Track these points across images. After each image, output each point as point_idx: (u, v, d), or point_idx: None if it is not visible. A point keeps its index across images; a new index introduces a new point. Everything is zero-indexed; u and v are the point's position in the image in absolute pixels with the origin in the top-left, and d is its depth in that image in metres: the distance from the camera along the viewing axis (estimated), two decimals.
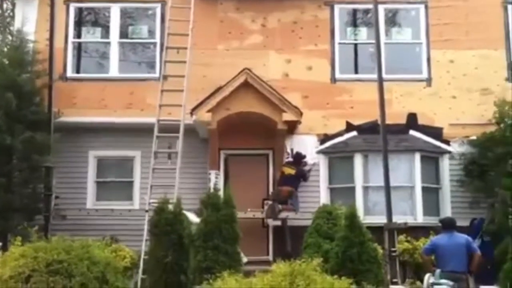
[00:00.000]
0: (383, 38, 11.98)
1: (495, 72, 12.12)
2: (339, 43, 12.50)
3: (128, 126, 12.03)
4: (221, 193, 11.37)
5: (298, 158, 11.66)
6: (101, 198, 12.16)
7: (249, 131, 11.58)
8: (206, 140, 11.86)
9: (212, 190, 8.15)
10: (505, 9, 12.42)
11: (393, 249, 9.65)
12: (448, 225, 8.21)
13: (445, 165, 11.87)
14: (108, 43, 12.56)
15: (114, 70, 12.42)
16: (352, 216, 7.22)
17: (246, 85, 11.15)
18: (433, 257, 8.09)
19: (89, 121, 11.98)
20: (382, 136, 10.42)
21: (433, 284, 6.09)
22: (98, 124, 11.99)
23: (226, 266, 6.73)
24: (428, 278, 6.56)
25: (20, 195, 10.77)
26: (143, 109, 12.10)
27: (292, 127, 11.54)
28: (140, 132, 11.93)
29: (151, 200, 10.15)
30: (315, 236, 9.27)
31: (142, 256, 9.38)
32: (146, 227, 9.89)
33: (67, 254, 8.13)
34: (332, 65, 12.36)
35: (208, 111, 11.04)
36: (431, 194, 11.69)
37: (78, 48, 12.85)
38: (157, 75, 12.26)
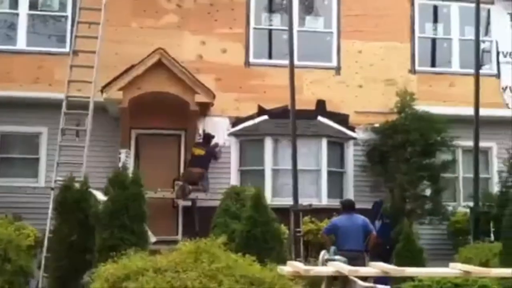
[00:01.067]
0: (296, 26, 12.34)
1: (400, 64, 12.76)
2: (254, 28, 12.67)
3: (35, 101, 11.65)
4: (130, 172, 11.51)
5: (207, 138, 11.77)
6: (4, 174, 11.72)
7: (161, 111, 11.52)
8: (117, 118, 11.70)
9: (120, 169, 8.11)
10: (412, 3, 13.06)
11: (298, 229, 10.09)
12: (347, 207, 8.65)
13: (350, 151, 12.40)
14: (17, 14, 12.05)
15: (22, 43, 11.96)
16: (258, 197, 7.43)
17: (159, 64, 11.08)
18: (333, 237, 8.52)
19: None
20: (292, 121, 10.80)
21: (328, 260, 6.44)
22: (2, 98, 11.52)
23: (132, 244, 6.75)
24: (323, 254, 6.93)
25: None
26: (51, 84, 11.75)
27: (204, 109, 11.63)
28: (48, 108, 11.62)
29: (58, 178, 9.93)
30: (223, 216, 9.42)
31: (47, 235, 9.17)
32: (51, 205, 9.67)
33: None
34: (246, 49, 12.52)
35: (120, 89, 10.89)
36: (336, 178, 12.20)
37: None
38: (67, 49, 11.92)
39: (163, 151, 11.90)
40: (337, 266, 5.41)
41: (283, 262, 7.04)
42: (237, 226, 8.82)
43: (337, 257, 6.54)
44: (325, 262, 6.46)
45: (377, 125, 12.10)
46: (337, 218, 8.91)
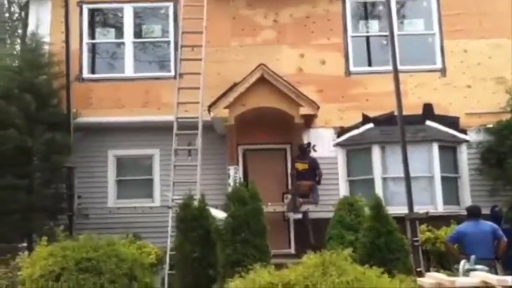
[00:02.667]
0: (396, 30, 12.09)
1: (508, 61, 12.13)
2: (352, 36, 12.54)
3: (145, 125, 12.14)
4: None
5: (304, 149, 11.66)
6: (121, 196, 12.27)
7: (266, 126, 11.67)
8: (223, 136, 11.95)
9: (236, 185, 8.21)
10: None
11: (415, 238, 9.74)
12: (473, 213, 8.27)
13: (463, 154, 11.92)
14: (123, 43, 12.65)
15: (129, 70, 12.51)
16: (377, 206, 7.29)
17: (262, 80, 11.21)
18: (456, 246, 8.16)
19: (107, 121, 12.07)
20: (400, 127, 10.51)
21: (469, 270, 6.14)
22: (115, 123, 12.10)
23: (256, 259, 6.82)
24: (463, 264, 6.59)
25: (42, 196, 10.87)
26: (160, 108, 12.20)
27: (308, 121, 11.61)
28: (158, 130, 12.07)
29: (174, 197, 10.24)
30: (338, 227, 9.33)
31: (168, 252, 9.48)
32: (170, 223, 10.00)
33: (95, 252, 8.28)
34: (345, 58, 12.41)
35: (225, 107, 11.11)
36: (450, 184, 11.75)
37: (93, 49, 12.95)
38: (171, 73, 12.39)
39: (270, 166, 11.99)
40: (483, 276, 5.16)
41: (409, 273, 6.87)
42: (355, 237, 8.74)
43: (479, 266, 6.23)
44: (466, 272, 6.17)
45: (490, 125, 11.56)
46: (462, 225, 8.53)
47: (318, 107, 11.26)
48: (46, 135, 10.75)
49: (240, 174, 11.94)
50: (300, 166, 11.38)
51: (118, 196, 12.28)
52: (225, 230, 7.23)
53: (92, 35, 12.84)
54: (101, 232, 10.46)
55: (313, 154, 11.83)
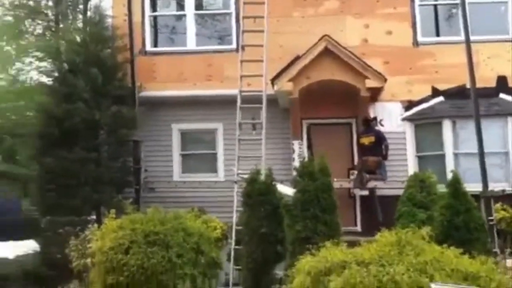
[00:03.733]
0: None
1: None
2: (420, 5, 12.00)
3: (208, 99, 12.08)
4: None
5: (368, 122, 11.27)
6: (186, 170, 12.29)
7: (330, 99, 11.37)
8: (286, 110, 11.74)
9: (302, 160, 8.01)
10: None
11: (490, 217, 9.31)
12: None
13: None
14: (184, 15, 12.54)
15: (191, 43, 12.42)
16: (455, 183, 6.95)
17: (326, 52, 10.90)
18: None
19: (170, 95, 12.07)
20: (474, 100, 10.05)
21: None
22: (179, 97, 12.07)
23: (326, 236, 6.65)
24: None
25: (109, 169, 11.00)
26: (222, 81, 12.09)
27: (375, 94, 11.24)
28: (221, 104, 11.97)
29: (239, 171, 10.17)
30: (408, 205, 9.01)
31: (234, 227, 9.44)
32: (235, 198, 9.94)
33: (162, 225, 8.31)
34: (413, 28, 11.91)
35: (289, 80, 10.88)
36: None
37: (155, 22, 12.92)
38: (233, 46, 12.22)
39: (335, 141, 11.71)
40: None
41: (489, 253, 6.53)
42: (426, 215, 8.44)
43: None
44: None
45: None
46: None
47: (385, 80, 10.85)
48: (112, 108, 10.83)
49: (305, 149, 11.76)
50: (366, 140, 11.04)
51: (183, 170, 12.30)
52: (294, 206, 7.07)
53: (154, 7, 12.77)
54: (166, 206, 10.52)
55: (380, 128, 11.48)
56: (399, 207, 9.19)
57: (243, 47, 11.49)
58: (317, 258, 5.84)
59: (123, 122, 10.94)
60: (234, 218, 9.80)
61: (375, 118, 11.39)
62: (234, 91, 11.34)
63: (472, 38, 10.75)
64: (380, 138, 11.05)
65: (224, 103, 11.86)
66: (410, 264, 5.36)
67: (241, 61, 10.97)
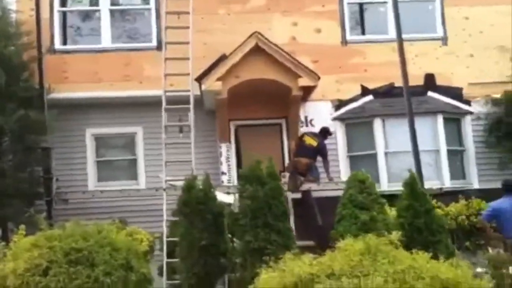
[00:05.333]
0: None
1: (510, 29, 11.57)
2: (348, 3, 11.72)
3: (126, 101, 11.11)
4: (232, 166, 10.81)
5: (325, 133, 10.85)
6: (102, 178, 11.21)
7: (260, 99, 10.76)
8: (212, 111, 11.02)
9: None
10: None
11: None
12: (511, 188, 7.65)
13: (468, 127, 11.35)
14: (98, 11, 11.49)
15: (106, 41, 11.36)
16: (412, 183, 6.54)
17: (256, 50, 10.23)
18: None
19: (84, 97, 10.97)
20: (407, 98, 9.91)
21: None
22: (93, 99, 11.01)
23: (280, 245, 6.01)
24: None
25: (16, 180, 9.73)
26: (142, 81, 11.17)
27: (307, 94, 10.74)
28: (140, 106, 11.11)
29: (168, 178, 9.32)
30: (349, 207, 8.58)
31: (165, 239, 8.58)
32: (165, 206, 9.10)
33: (85, 241, 7.25)
34: (342, 27, 11.60)
35: (218, 79, 10.14)
36: (455, 157, 11.18)
37: (64, 17, 11.74)
38: (153, 44, 11.37)
39: (264, 142, 11.10)
40: None
41: (452, 255, 6.17)
42: (372, 217, 8.05)
43: None
44: None
45: (497, 96, 10.98)
46: (498, 202, 7.87)
47: (319, 78, 10.36)
48: (18, 112, 9.58)
49: (233, 152, 11.11)
50: (309, 140, 10.51)
51: (99, 178, 11.22)
52: (242, 214, 6.35)
53: (63, 2, 11.60)
54: (82, 218, 9.40)
55: (310, 129, 11.04)
56: (339, 209, 8.69)
57: (166, 45, 10.65)
58: (278, 272, 5.18)
59: (30, 127, 9.71)
60: (165, 228, 8.95)
61: (331, 134, 10.93)
62: (155, 92, 10.56)
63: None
64: (322, 151, 10.54)
65: (144, 105, 11.04)
66: (387, 274, 4.82)
67: (166, 59, 10.11)
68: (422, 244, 5.85)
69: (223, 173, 10.87)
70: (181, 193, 7.33)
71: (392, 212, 9.04)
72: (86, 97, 10.99)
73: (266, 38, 10.27)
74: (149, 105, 10.89)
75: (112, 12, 11.48)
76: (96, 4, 11.52)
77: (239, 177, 6.99)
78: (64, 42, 11.60)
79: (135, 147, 11.29)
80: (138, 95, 10.98)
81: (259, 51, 10.28)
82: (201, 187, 7.30)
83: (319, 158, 10.61)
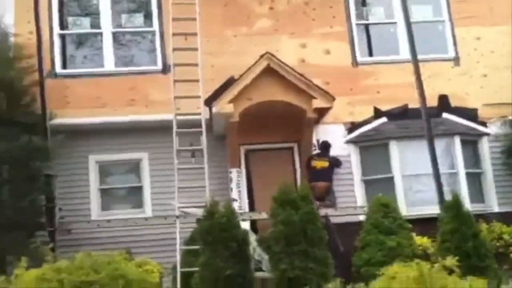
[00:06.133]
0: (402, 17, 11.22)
1: None
2: (357, 24, 11.47)
3: (131, 126, 10.64)
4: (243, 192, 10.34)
5: (325, 147, 10.53)
6: (106, 207, 10.66)
7: (271, 122, 10.38)
8: (220, 136, 10.59)
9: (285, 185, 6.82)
10: None
11: None
12: None
13: (485, 148, 11.03)
14: (100, 33, 11.09)
15: (109, 64, 10.94)
16: (458, 205, 6.14)
17: (268, 71, 9.89)
18: None
19: (87, 122, 10.50)
20: (425, 120, 9.64)
21: None
22: (97, 125, 10.53)
23: (318, 274, 5.53)
24: None
25: (16, 209, 9.16)
26: (147, 106, 10.75)
27: (321, 116, 10.38)
28: (145, 131, 10.67)
29: (179, 204, 8.84)
30: (374, 232, 8.18)
31: (179, 269, 8.07)
32: (178, 235, 8.61)
33: (96, 273, 6.77)
34: (351, 48, 11.32)
35: (230, 101, 9.73)
36: (474, 180, 10.82)
37: (63, 41, 11.29)
38: (158, 67, 10.99)
39: (275, 167, 10.67)
40: None
41: (500, 282, 5.77)
42: (398, 242, 7.65)
43: None
44: None
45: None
46: None
47: (334, 99, 9.99)
48: (22, 138, 9.07)
49: (243, 177, 10.67)
50: (319, 164, 10.15)
51: (103, 207, 10.66)
52: (275, 240, 5.88)
53: (63, 25, 11.18)
54: (85, 249, 8.94)
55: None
56: (363, 235, 8.35)
57: (174, 67, 10.30)
58: None
59: (34, 154, 9.20)
60: (178, 258, 8.45)
61: (330, 145, 10.53)
62: (161, 116, 10.25)
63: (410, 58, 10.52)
64: (336, 164, 10.22)
65: (150, 130, 10.64)
66: None
67: (175, 81, 9.71)
68: (470, 269, 5.42)
69: (233, 199, 10.38)
70: (201, 220, 6.86)
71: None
72: (89, 122, 10.52)
73: (278, 59, 9.95)
74: (155, 130, 10.54)
75: (114, 35, 11.08)
76: (98, 27, 11.11)
77: (273, 200, 6.48)
78: (65, 66, 11.15)
79: (140, 173, 10.78)
80: (144, 119, 10.55)
81: (270, 72, 9.94)
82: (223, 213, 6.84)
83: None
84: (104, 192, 10.73)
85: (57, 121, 10.26)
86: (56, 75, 10.79)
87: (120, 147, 10.71)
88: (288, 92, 9.87)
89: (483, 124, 11.13)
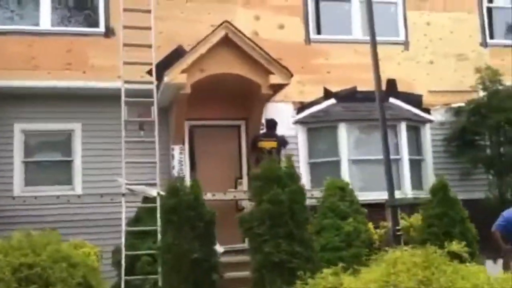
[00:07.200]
0: None
1: (470, 37, 11.53)
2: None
3: (66, 92, 9.70)
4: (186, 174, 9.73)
5: (272, 125, 10.09)
6: (31, 183, 9.68)
7: (220, 97, 9.80)
8: (163, 109, 9.88)
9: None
10: None
11: (397, 227, 8.62)
12: None
13: (427, 135, 11.05)
14: None
15: (45, 22, 9.89)
16: (444, 189, 5.93)
17: (225, 41, 9.28)
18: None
19: (16, 86, 9.44)
20: (379, 104, 9.33)
21: None
22: (27, 89, 9.49)
23: (304, 258, 5.12)
24: None
25: None
26: (85, 71, 9.82)
27: (275, 93, 9.90)
28: (81, 99, 9.77)
29: (126, 181, 8.10)
30: (331, 216, 7.91)
31: (124, 252, 7.38)
32: (123, 214, 7.88)
33: (36, 255, 6.05)
34: (305, 24, 10.94)
35: (183, 71, 9.01)
36: (415, 167, 10.81)
37: None
38: (101, 29, 10.09)
39: (220, 146, 10.17)
40: None
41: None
42: (356, 227, 7.41)
43: None
44: None
45: (460, 104, 10.80)
46: (509, 211, 7.39)
47: (292, 75, 9.55)
48: None
49: (186, 155, 10.04)
50: (268, 144, 9.66)
51: (27, 182, 9.67)
52: (259, 221, 5.38)
53: None
54: (6, 228, 8.06)
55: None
56: (319, 218, 8.05)
57: (113, 30, 9.49)
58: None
59: None
60: (123, 239, 7.74)
61: (277, 123, 10.09)
62: (102, 84, 9.53)
63: (363, 38, 10.35)
64: (283, 144, 9.82)
65: (85, 99, 9.77)
66: None
67: (124, 45, 8.87)
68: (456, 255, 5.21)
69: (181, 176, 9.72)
70: (166, 198, 6.22)
71: None
72: (18, 86, 9.46)
73: (237, 29, 9.34)
74: (91, 98, 9.73)
75: None
76: None
77: (253, 177, 5.97)
78: None
79: (71, 146, 9.85)
80: (83, 86, 9.69)
81: (228, 43, 9.31)
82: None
83: None
84: (29, 166, 9.70)
85: None
86: None
87: (51, 116, 9.73)
88: (244, 65, 9.29)
89: (427, 111, 11.15)
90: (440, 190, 6.16)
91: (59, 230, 8.28)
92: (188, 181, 9.68)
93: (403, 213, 9.60)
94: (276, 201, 5.37)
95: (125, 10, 9.11)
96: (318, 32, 11.14)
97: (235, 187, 10.06)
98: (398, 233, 8.45)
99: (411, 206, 9.88)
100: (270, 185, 5.48)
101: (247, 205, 9.77)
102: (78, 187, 9.73)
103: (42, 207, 9.33)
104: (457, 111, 10.76)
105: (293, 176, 5.70)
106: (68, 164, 9.85)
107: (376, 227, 9.05)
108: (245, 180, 10.23)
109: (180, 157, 9.88)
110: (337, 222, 7.81)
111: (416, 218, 9.26)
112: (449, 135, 10.79)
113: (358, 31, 11.02)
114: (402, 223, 9.38)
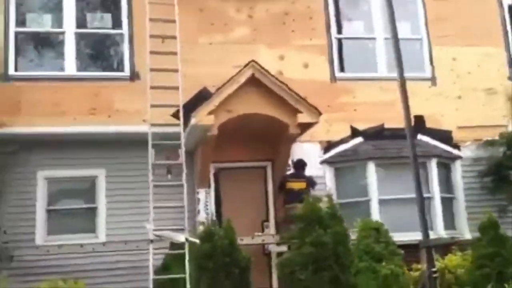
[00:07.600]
0: (382, 33, 11.01)
1: (497, 71, 11.34)
2: (336, 38, 11.02)
3: (91, 138, 9.57)
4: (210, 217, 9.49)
5: (301, 166, 9.85)
6: (54, 231, 9.45)
7: (246, 138, 9.60)
8: (188, 151, 9.67)
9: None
10: (500, 4, 11.73)
11: (433, 269, 8.26)
12: None
13: (458, 172, 10.76)
14: (62, 33, 9.99)
15: (71, 68, 9.88)
16: (495, 227, 5.63)
17: (252, 81, 9.13)
18: None
19: (42, 132, 9.30)
20: (410, 141, 9.13)
21: None
22: (51, 135, 9.37)
23: None
24: None
25: None
26: (110, 116, 9.74)
27: (303, 132, 9.71)
28: (105, 144, 9.63)
29: (151, 227, 7.89)
30: (366, 259, 7.57)
31: None
32: (151, 261, 7.65)
33: None
34: (330, 62, 10.84)
35: (210, 113, 8.88)
36: (447, 205, 10.49)
37: (17, 40, 10.04)
38: (126, 73, 10.07)
39: (246, 188, 9.92)
40: None
41: None
42: (392, 270, 7.07)
43: None
44: None
45: (495, 138, 10.53)
46: None
47: (320, 114, 9.35)
48: None
49: (212, 199, 9.83)
50: (296, 185, 9.43)
51: (50, 231, 9.46)
52: (301, 265, 5.11)
53: (22, 22, 9.98)
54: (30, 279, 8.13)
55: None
56: (355, 261, 7.72)
57: (137, 74, 9.44)
58: None
59: None
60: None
61: (306, 164, 9.87)
62: (128, 128, 9.43)
63: (388, 75, 10.20)
64: (312, 184, 9.58)
65: (109, 144, 9.60)
66: None
67: (151, 87, 8.78)
68: None
69: (201, 222, 9.49)
70: (200, 244, 5.98)
71: None
72: (45, 132, 9.33)
73: (263, 68, 9.23)
74: (116, 143, 9.58)
75: (78, 35, 10.02)
76: (60, 26, 10.02)
77: (296, 218, 5.72)
78: (20, 68, 9.92)
79: (95, 193, 9.67)
80: (108, 131, 9.51)
81: (254, 82, 9.17)
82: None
83: None
84: (52, 214, 9.53)
85: (7, 130, 9.10)
86: (8, 78, 9.60)
87: (76, 162, 9.61)
88: (272, 104, 9.12)
89: (457, 147, 10.90)
90: (490, 228, 5.85)
91: (84, 280, 8.28)
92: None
93: (436, 254, 9.30)
94: (319, 244, 5.10)
95: (151, 52, 9.05)
96: (343, 69, 11.02)
97: (262, 231, 9.80)
98: (434, 275, 8.14)
99: (444, 247, 9.55)
100: (311, 226, 5.22)
101: (274, 249, 9.55)
102: (102, 235, 9.53)
103: (66, 256, 9.09)
104: (491, 143, 10.44)
105: (336, 217, 5.45)
106: (92, 211, 9.68)
107: (409, 270, 8.69)
108: (271, 223, 9.98)
109: (206, 201, 9.67)
110: (373, 265, 7.47)
111: (450, 259, 8.93)
112: (483, 170, 10.48)
113: (384, 68, 10.88)
114: (437, 264, 9.05)
